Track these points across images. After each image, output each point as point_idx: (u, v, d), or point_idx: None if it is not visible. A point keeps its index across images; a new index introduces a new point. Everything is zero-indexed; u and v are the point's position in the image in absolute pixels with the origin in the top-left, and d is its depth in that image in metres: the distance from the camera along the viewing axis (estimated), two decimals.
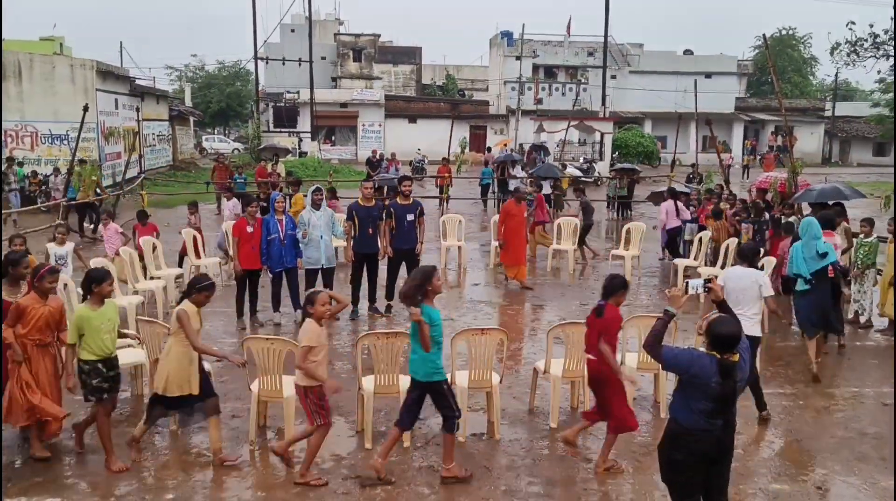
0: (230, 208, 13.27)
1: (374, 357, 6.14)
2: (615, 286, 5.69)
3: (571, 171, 26.92)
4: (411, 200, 10.13)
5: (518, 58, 43.09)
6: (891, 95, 39.08)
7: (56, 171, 19.65)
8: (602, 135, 36.14)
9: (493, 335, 6.46)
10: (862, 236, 10.11)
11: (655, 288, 12.49)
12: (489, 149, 35.62)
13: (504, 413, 6.61)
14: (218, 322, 9.56)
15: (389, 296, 10.16)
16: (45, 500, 5.19)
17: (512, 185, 22.53)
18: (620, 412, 5.52)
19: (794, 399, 7.29)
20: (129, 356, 6.84)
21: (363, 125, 44.35)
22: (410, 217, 9.85)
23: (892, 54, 15.62)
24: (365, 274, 10.02)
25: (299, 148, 38.70)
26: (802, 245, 8.17)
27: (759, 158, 40.67)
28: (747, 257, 7.13)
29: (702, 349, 4.21)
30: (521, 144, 36.18)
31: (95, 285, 5.49)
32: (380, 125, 44.24)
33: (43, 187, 19.31)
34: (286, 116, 43.49)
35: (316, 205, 9.72)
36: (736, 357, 3.99)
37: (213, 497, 5.30)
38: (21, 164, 21.11)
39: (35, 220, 16.84)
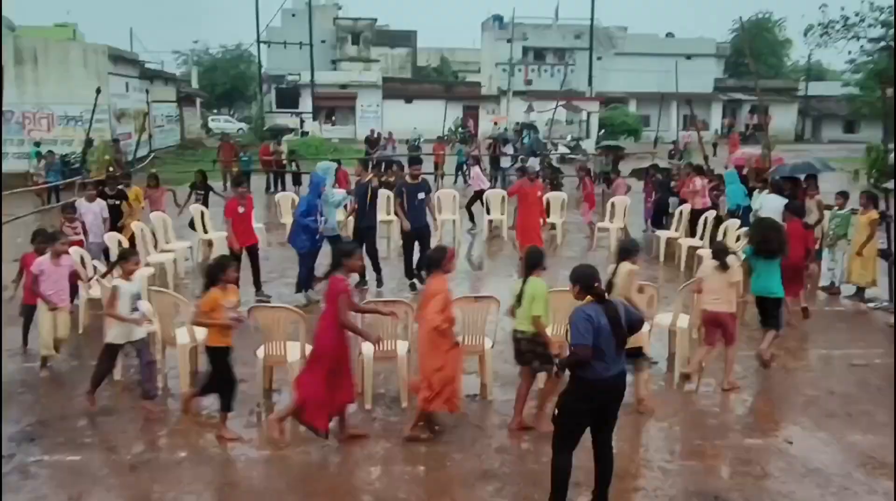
0: (95, 212, 9.43)
1: (375, 325, 6.13)
2: (799, 210, 8.52)
3: (560, 149, 26.84)
4: (420, 180, 10.07)
5: (509, 41, 42.80)
6: (860, 75, 38.90)
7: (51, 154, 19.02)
8: (588, 114, 36.05)
9: (486, 303, 6.45)
10: (836, 207, 10.13)
11: (640, 258, 12.50)
12: (459, 132, 34.82)
13: (496, 376, 6.61)
14: None
15: (409, 275, 9.99)
16: (66, 457, 5.26)
17: (503, 162, 22.48)
18: None
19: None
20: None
21: (362, 106, 44.07)
22: (421, 196, 9.81)
23: (863, 35, 15.50)
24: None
25: (301, 128, 38.42)
26: (735, 189, 12.17)
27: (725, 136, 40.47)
28: (779, 187, 10.30)
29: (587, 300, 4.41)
30: (515, 123, 36.01)
31: (540, 264, 5.73)
32: (377, 106, 43.95)
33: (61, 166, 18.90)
34: (288, 98, 43.18)
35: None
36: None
37: (223, 456, 5.34)
38: (38, 144, 20.88)
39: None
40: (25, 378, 6.70)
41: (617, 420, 4.52)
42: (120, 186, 10.73)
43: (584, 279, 4.41)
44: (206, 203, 12.26)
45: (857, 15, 15.20)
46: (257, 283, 9.49)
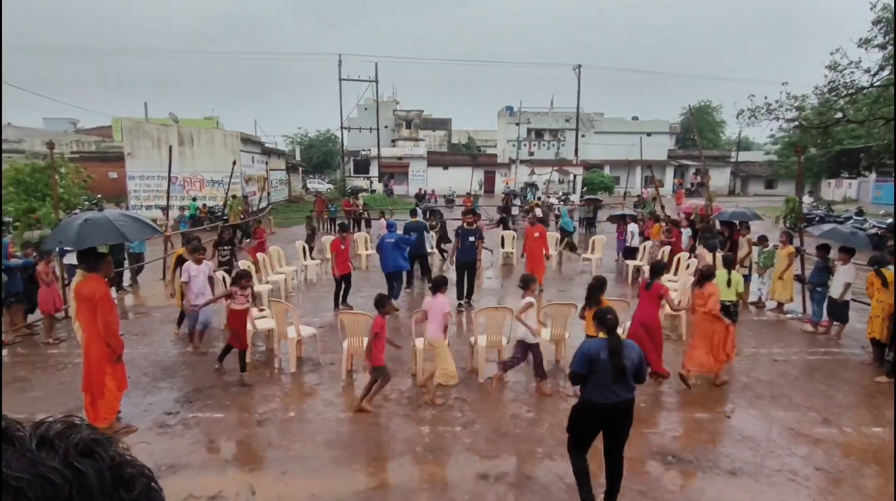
0: (195, 272, 6.89)
1: (424, 326, 6.19)
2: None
3: (551, 201, 26.72)
4: (473, 226, 9.66)
5: (517, 124, 42.93)
6: (778, 146, 38.02)
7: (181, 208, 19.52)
8: (574, 176, 35.99)
9: (502, 312, 6.46)
10: (761, 246, 9.99)
11: (613, 280, 12.37)
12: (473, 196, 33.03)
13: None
14: (324, 304, 9.76)
15: (460, 296, 9.44)
16: (213, 414, 5.38)
17: (513, 211, 22.44)
18: None
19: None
20: (265, 323, 7.03)
21: (412, 171, 44.37)
22: (471, 239, 9.45)
23: (781, 117, 15.24)
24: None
25: (371, 187, 39.05)
26: (566, 220, 14.88)
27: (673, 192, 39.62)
28: (692, 225, 11.29)
29: (601, 335, 3.85)
30: (525, 183, 35.91)
31: (734, 264, 7.12)
32: (423, 171, 44.17)
33: (208, 214, 19.61)
34: (362, 166, 44.00)
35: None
36: (621, 336, 3.73)
37: (320, 415, 5.40)
38: (195, 199, 21.70)
39: (203, 236, 17.19)
40: (186, 361, 6.77)
41: (625, 439, 3.82)
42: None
43: (599, 315, 3.87)
44: (234, 254, 10.12)
45: (776, 102, 14.98)
46: (345, 298, 9.34)
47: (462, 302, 9.39)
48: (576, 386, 3.85)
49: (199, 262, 6.98)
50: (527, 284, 5.98)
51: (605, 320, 3.81)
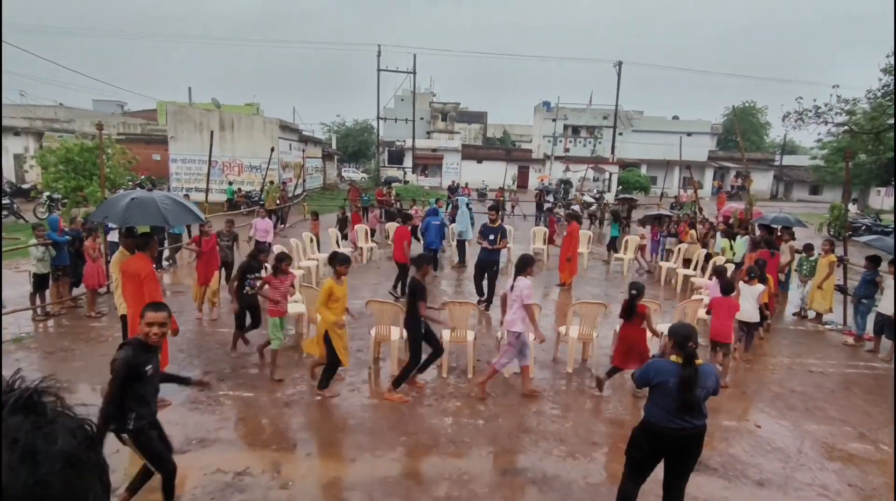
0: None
1: (451, 317, 6.22)
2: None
3: (586, 198, 26.25)
4: (497, 224, 9.20)
5: (554, 120, 42.27)
6: (825, 150, 36.40)
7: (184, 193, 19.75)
8: (610, 174, 35.25)
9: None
10: (804, 255, 9.58)
11: (645, 281, 12.10)
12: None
13: (535, 360, 6.51)
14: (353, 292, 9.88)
15: (480, 293, 9.09)
16: (243, 394, 5.53)
17: (546, 207, 22.13)
18: None
19: (743, 364, 6.96)
20: (295, 308, 7.16)
21: (446, 164, 44.28)
22: (492, 237, 9.02)
23: (830, 121, 14.57)
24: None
25: (404, 177, 39.25)
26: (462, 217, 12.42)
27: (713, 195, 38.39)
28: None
29: (674, 358, 3.39)
30: (559, 180, 35.41)
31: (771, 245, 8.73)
32: (457, 164, 44.04)
33: (245, 199, 19.98)
34: (396, 157, 44.23)
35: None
36: (698, 361, 3.28)
37: (346, 401, 5.48)
38: (231, 183, 22.21)
39: (239, 219, 17.62)
40: (220, 340, 6.98)
41: (690, 472, 3.47)
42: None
43: (678, 336, 3.34)
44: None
45: (826, 105, 14.31)
46: (400, 285, 9.31)
47: (482, 300, 9.01)
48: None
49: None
50: (757, 273, 6.79)
51: (686, 346, 3.27)
